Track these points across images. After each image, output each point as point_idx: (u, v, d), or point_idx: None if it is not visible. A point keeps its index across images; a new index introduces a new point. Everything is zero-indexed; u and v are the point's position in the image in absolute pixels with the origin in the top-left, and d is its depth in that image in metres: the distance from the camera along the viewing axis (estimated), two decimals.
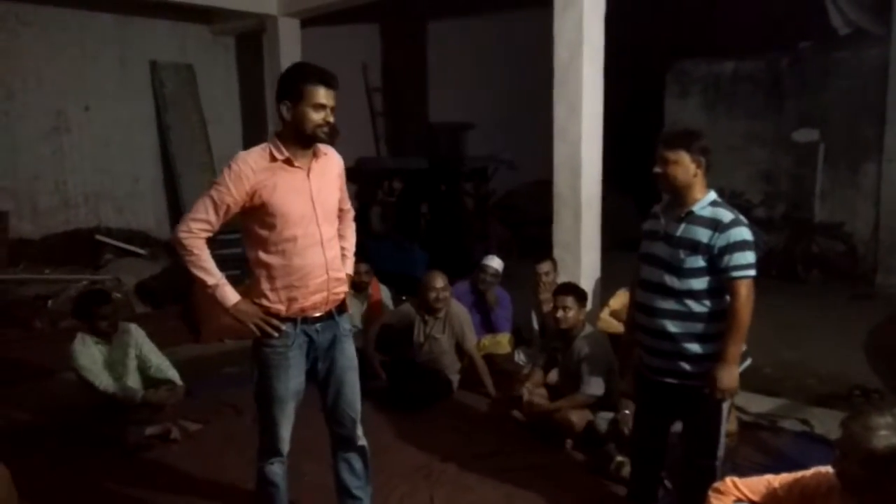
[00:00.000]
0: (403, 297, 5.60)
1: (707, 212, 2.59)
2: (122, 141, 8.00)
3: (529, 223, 9.03)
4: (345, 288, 2.67)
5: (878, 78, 7.52)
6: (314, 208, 2.48)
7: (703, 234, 2.56)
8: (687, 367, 2.61)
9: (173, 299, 6.68)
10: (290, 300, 2.49)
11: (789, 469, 2.14)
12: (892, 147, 7.45)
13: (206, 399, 4.51)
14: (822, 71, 8.02)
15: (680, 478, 2.89)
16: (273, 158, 2.42)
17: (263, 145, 2.46)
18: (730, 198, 8.62)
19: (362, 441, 2.76)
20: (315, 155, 2.51)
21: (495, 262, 5.21)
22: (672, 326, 2.62)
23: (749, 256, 2.53)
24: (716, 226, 2.54)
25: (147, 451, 3.79)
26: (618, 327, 4.54)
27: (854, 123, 7.79)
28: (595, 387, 3.74)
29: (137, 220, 8.10)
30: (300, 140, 2.43)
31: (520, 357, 5.05)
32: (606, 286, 5.03)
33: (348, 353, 2.68)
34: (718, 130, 8.80)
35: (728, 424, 3.31)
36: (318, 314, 2.56)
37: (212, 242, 6.83)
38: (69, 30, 7.55)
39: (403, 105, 10.31)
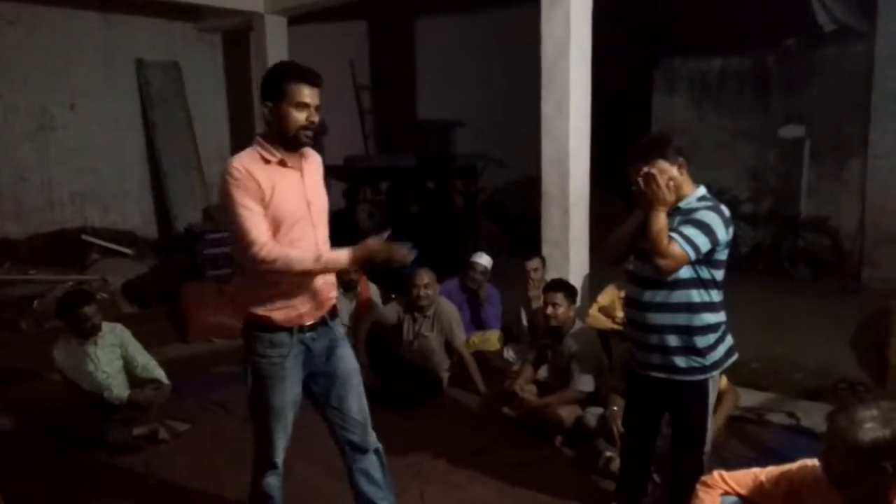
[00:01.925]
0: (393, 296, 5.59)
1: (692, 206, 2.61)
2: (108, 140, 7.94)
3: (519, 220, 9.04)
4: (335, 292, 2.62)
5: (862, 75, 7.58)
6: (309, 210, 2.41)
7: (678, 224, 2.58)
8: (674, 360, 2.63)
9: (160, 299, 6.64)
10: (288, 307, 2.41)
11: (776, 462, 2.15)
12: (877, 143, 7.51)
13: (195, 399, 4.48)
14: (808, 68, 8.08)
15: (668, 472, 2.90)
16: (266, 161, 2.34)
17: (249, 150, 2.36)
18: (717, 194, 8.70)
19: (376, 444, 2.68)
20: (303, 155, 2.45)
21: (484, 260, 5.22)
22: (660, 319, 2.63)
23: (700, 238, 2.47)
24: (687, 214, 2.57)
25: (135, 451, 3.76)
26: (606, 323, 4.56)
27: (839, 120, 7.85)
28: (585, 384, 3.76)
29: (124, 219, 8.04)
30: (284, 142, 2.36)
31: (509, 354, 5.06)
32: (595, 283, 5.04)
33: (348, 358, 2.62)
34: (706, 127, 8.85)
35: (723, 416, 3.35)
36: (311, 321, 2.48)
37: (203, 241, 6.73)
38: (54, 28, 7.47)
39: (392, 102, 10.29)
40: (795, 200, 8.24)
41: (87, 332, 3.95)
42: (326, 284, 2.51)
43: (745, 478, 2.11)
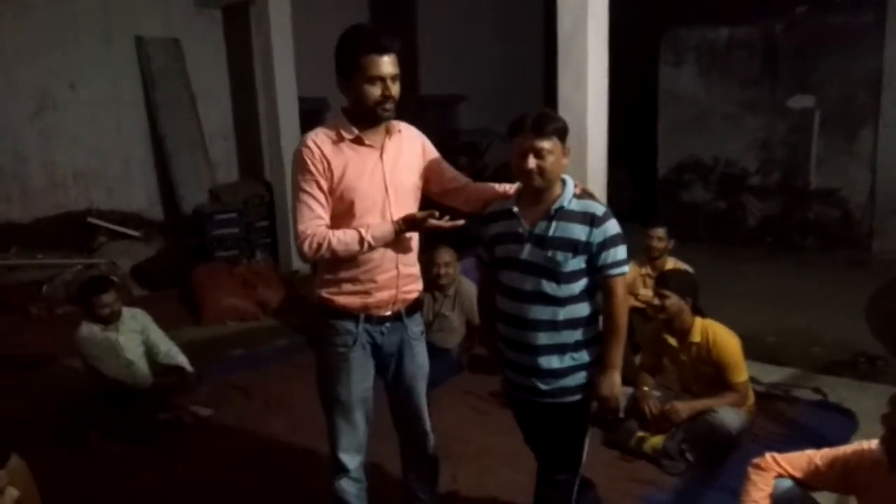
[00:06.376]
0: None
1: (576, 205, 2.25)
2: (111, 119, 7.80)
3: None
4: (418, 286, 2.43)
5: (873, 43, 7.49)
6: (386, 192, 2.25)
7: (580, 232, 2.22)
8: (564, 381, 2.32)
9: (171, 282, 6.59)
10: (354, 293, 2.26)
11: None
12: (888, 112, 7.45)
13: (214, 383, 4.46)
14: (818, 36, 7.97)
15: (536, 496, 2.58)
16: (340, 137, 2.21)
17: (329, 123, 2.25)
18: (725, 166, 8.73)
19: (430, 450, 2.57)
20: (388, 132, 2.28)
21: None
22: (549, 338, 2.28)
23: (623, 251, 2.25)
24: (591, 220, 2.22)
25: (158, 437, 3.75)
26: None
27: (850, 89, 7.77)
28: None
29: (129, 201, 7.92)
30: (365, 118, 2.21)
31: None
32: None
33: (419, 360, 2.46)
34: (713, 98, 8.76)
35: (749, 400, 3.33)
36: (384, 313, 2.32)
37: (211, 222, 6.64)
38: (51, 6, 7.30)
39: None
40: (805, 172, 8.19)
41: (107, 319, 3.91)
42: (402, 276, 2.32)
43: (798, 460, 2.10)
